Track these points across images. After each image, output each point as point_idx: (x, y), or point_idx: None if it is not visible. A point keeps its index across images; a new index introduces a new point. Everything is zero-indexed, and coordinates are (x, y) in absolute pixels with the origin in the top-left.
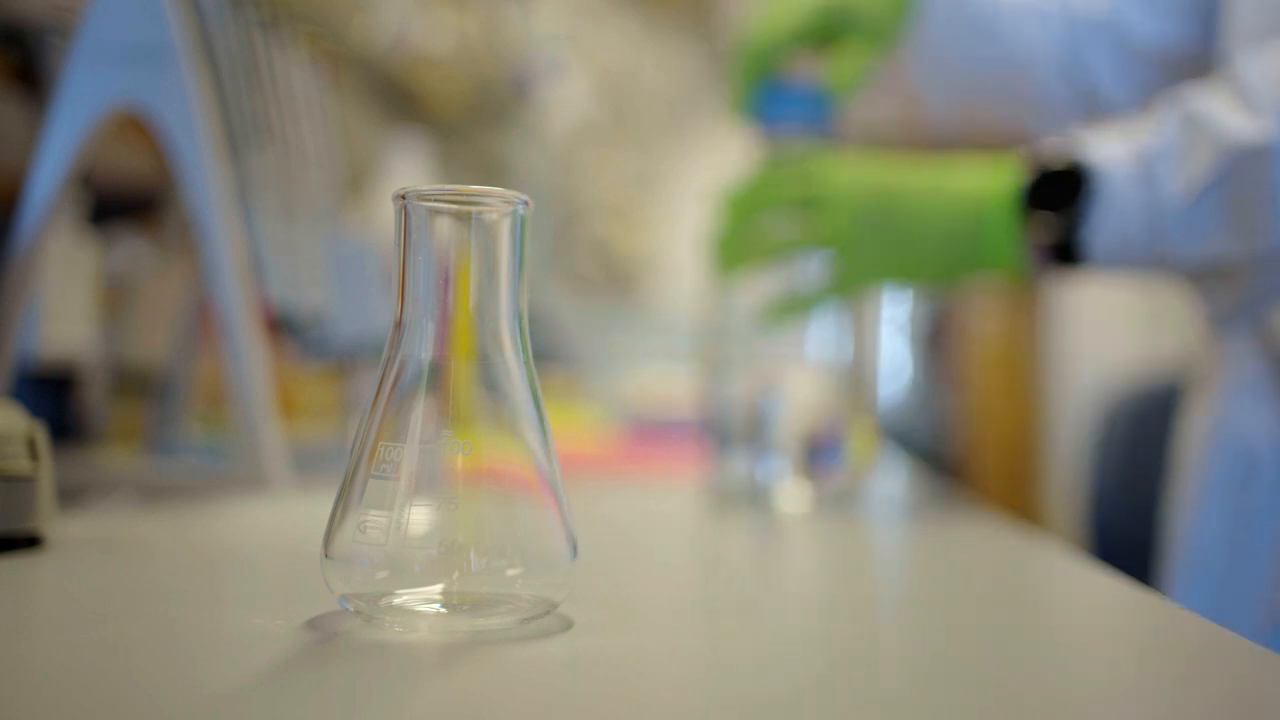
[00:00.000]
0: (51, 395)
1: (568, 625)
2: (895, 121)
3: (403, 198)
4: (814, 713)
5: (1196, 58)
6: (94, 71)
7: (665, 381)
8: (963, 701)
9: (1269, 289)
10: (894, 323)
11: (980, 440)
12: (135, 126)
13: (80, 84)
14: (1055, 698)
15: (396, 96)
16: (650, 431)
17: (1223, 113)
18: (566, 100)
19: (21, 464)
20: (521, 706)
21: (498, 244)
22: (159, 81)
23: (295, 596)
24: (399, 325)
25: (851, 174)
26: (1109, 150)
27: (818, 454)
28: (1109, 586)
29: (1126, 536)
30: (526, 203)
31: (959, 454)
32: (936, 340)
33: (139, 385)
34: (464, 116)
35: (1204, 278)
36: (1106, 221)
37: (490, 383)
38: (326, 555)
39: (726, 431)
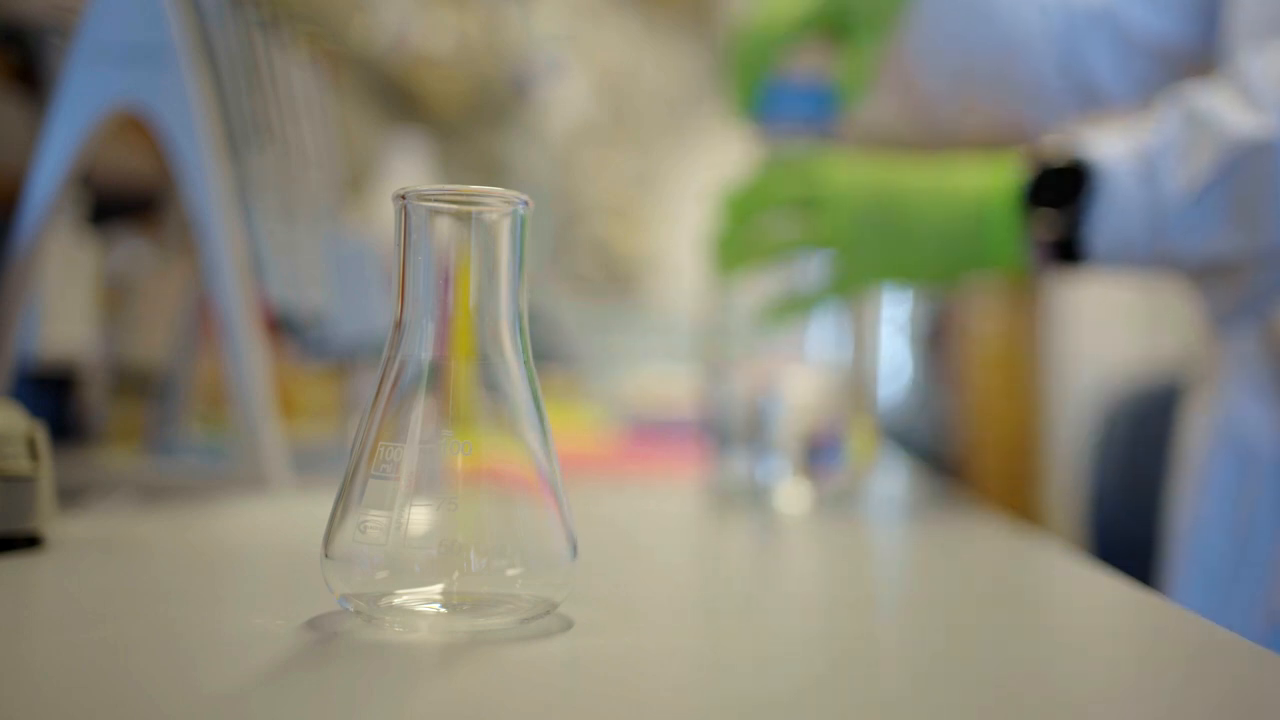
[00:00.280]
0: (51, 395)
1: (568, 625)
2: (895, 119)
3: (403, 198)
4: (814, 713)
5: (1196, 54)
6: (94, 71)
7: (665, 381)
8: (963, 701)
9: (1270, 286)
10: (894, 323)
11: (980, 440)
12: (135, 126)
13: (80, 84)
14: (1055, 698)
15: (396, 96)
16: (650, 431)
17: (1225, 110)
18: (566, 100)
19: (21, 464)
20: (521, 706)
21: (498, 244)
22: (159, 81)
23: (295, 596)
24: (399, 325)
25: (851, 174)
26: (1110, 147)
27: (818, 454)
28: (1109, 586)
29: (1126, 536)
30: (526, 203)
31: (959, 454)
32: (936, 340)
33: (139, 385)
34: (464, 116)
35: (1205, 275)
36: (1108, 219)
37: (490, 383)
38: (326, 555)
39: (726, 431)
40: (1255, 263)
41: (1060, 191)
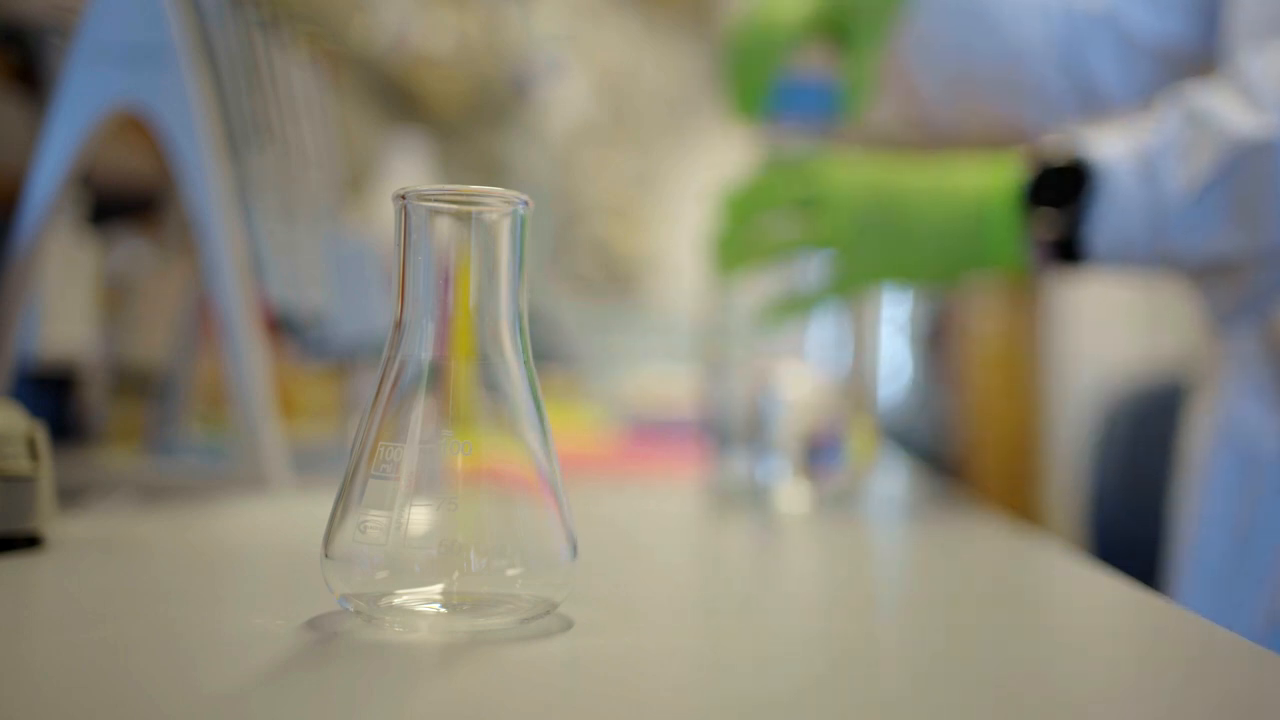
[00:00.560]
0: (51, 395)
1: (568, 625)
2: (894, 120)
3: (403, 198)
4: (814, 713)
5: (1197, 55)
6: (94, 71)
7: (665, 381)
8: (963, 701)
9: (1271, 286)
10: (894, 323)
11: (980, 440)
12: (135, 126)
13: (80, 84)
14: (1055, 698)
15: (396, 96)
16: (650, 431)
17: (1225, 109)
18: (566, 100)
19: (21, 464)
20: (521, 706)
21: (498, 244)
22: (159, 81)
23: (295, 596)
24: (399, 325)
25: (851, 174)
26: (1111, 147)
27: (818, 454)
28: (1109, 586)
29: (1126, 536)
30: (526, 203)
31: (959, 454)
32: (936, 340)
33: (139, 385)
34: (464, 116)
35: (1206, 275)
36: (1108, 218)
37: (490, 383)
38: (326, 555)
39: (726, 431)
40: (1256, 262)
41: (1060, 191)
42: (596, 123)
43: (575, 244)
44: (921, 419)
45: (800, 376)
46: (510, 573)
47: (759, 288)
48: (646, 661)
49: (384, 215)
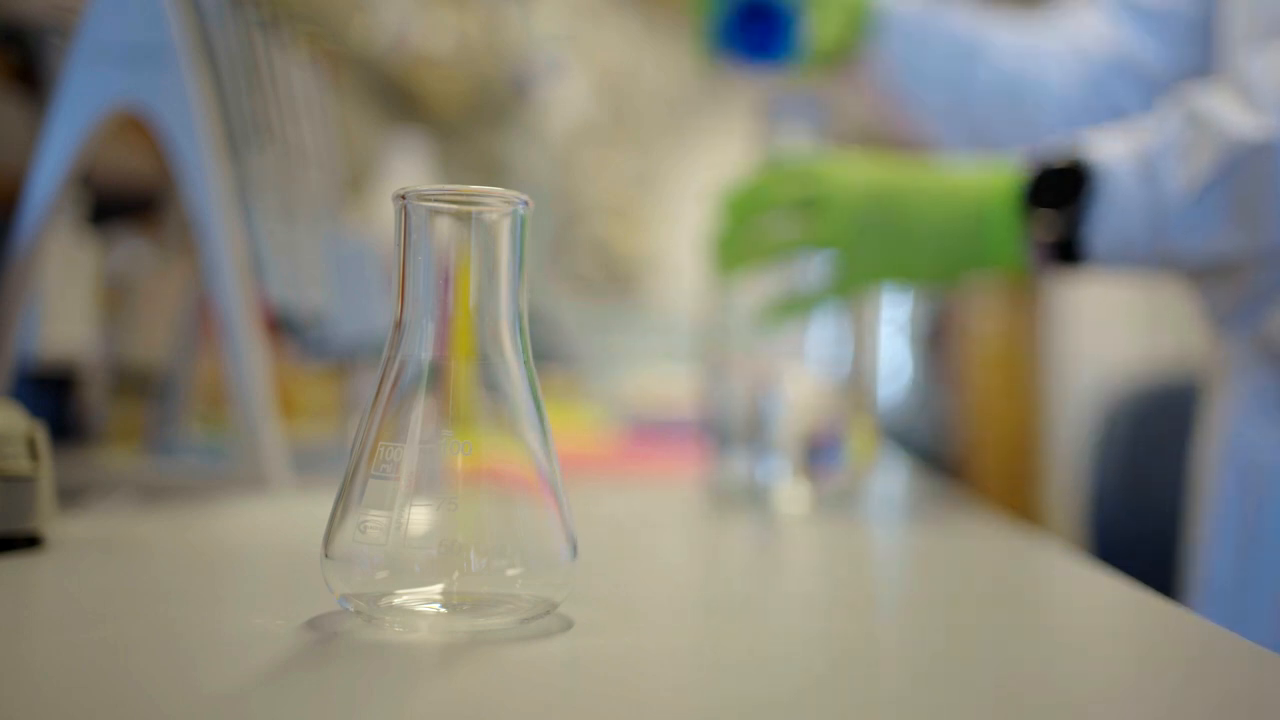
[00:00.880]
0: (51, 395)
1: (568, 625)
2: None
3: (403, 198)
4: (814, 713)
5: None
6: (94, 71)
7: (665, 381)
8: (963, 701)
9: (1271, 286)
10: (894, 323)
11: (980, 440)
12: (135, 126)
13: (80, 84)
14: (1055, 698)
15: (396, 96)
16: (650, 431)
17: (1225, 110)
18: (566, 100)
19: (21, 464)
20: (521, 706)
21: (498, 244)
22: (159, 81)
23: (295, 596)
24: (399, 325)
25: (851, 174)
26: (1111, 148)
27: (818, 454)
28: (1109, 586)
29: (1126, 536)
30: (526, 203)
31: (959, 454)
32: (936, 340)
33: (139, 385)
34: (464, 116)
35: (1206, 276)
36: (1108, 219)
37: (490, 383)
38: (326, 555)
39: (726, 431)
40: (1256, 263)
41: (1060, 192)
42: (596, 123)
43: (575, 244)
44: (921, 419)
45: (800, 376)
46: (510, 573)
47: (759, 288)
48: (646, 661)
49: (384, 215)
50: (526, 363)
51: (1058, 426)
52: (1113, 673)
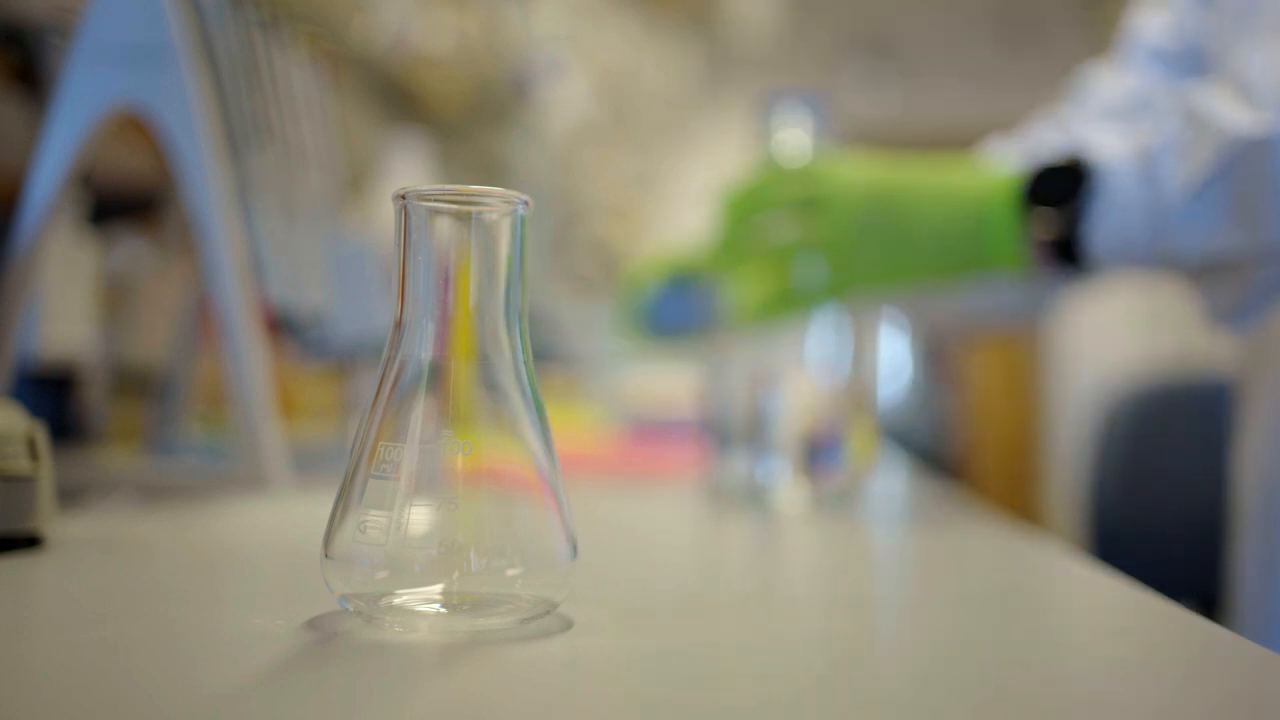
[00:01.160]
0: (51, 395)
1: (568, 625)
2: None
3: (403, 198)
4: (814, 713)
5: None
6: (94, 71)
7: (665, 381)
8: (962, 701)
9: (1272, 285)
10: (894, 322)
11: (980, 440)
12: (135, 126)
13: (80, 84)
14: (1056, 698)
15: (396, 96)
16: (650, 431)
17: (1224, 107)
18: (566, 100)
19: (21, 464)
20: (521, 706)
21: (498, 244)
22: (159, 81)
23: (295, 596)
24: (399, 325)
25: (851, 174)
26: (1110, 146)
27: (818, 454)
28: (1109, 586)
29: (1126, 536)
30: (526, 203)
31: (959, 454)
32: (936, 341)
33: (139, 385)
34: (464, 116)
35: (1206, 274)
36: (1108, 218)
37: (490, 383)
38: (326, 555)
39: (726, 431)
40: (1256, 260)
41: (1060, 190)
42: (596, 123)
43: (575, 244)
44: (921, 419)
45: (800, 376)
46: (510, 573)
47: (759, 288)
48: (646, 661)
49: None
50: (526, 363)
51: (1058, 426)
52: (1113, 673)
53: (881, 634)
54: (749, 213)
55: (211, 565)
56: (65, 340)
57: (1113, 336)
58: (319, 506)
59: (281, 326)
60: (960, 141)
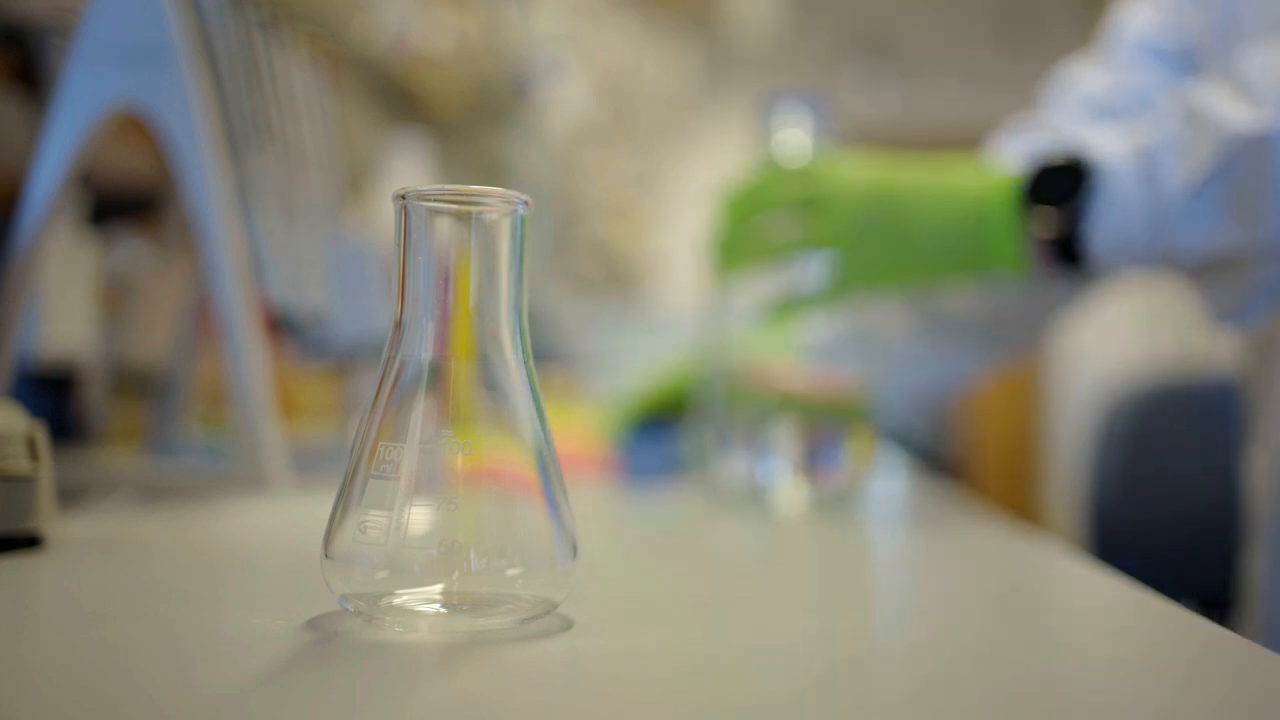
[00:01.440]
0: (51, 395)
1: (568, 625)
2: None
3: (403, 198)
4: (814, 713)
5: None
6: (94, 71)
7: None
8: (962, 702)
9: (1272, 283)
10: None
11: (980, 440)
12: (135, 126)
13: (80, 84)
14: (1055, 698)
15: (396, 96)
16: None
17: (1223, 105)
18: (566, 100)
19: (21, 464)
20: (521, 706)
21: (498, 244)
22: (159, 81)
23: (295, 596)
24: (399, 325)
25: (851, 174)
26: (1109, 145)
27: (817, 454)
28: (1109, 586)
29: (1126, 536)
30: (526, 203)
31: (959, 454)
32: None
33: (139, 385)
34: (464, 116)
35: (1206, 273)
36: (1108, 216)
37: (490, 383)
38: (326, 555)
39: (726, 431)
40: (1256, 258)
41: (1059, 189)
42: (596, 123)
43: (575, 244)
44: (921, 419)
45: (800, 376)
46: (510, 573)
47: (759, 288)
48: (646, 661)
49: (384, 215)
50: (526, 363)
51: (1058, 426)
52: (1113, 673)
53: (881, 634)
54: (749, 213)
55: (211, 565)
56: (65, 340)
57: (1113, 336)
58: (319, 506)
59: (281, 326)
60: (960, 141)
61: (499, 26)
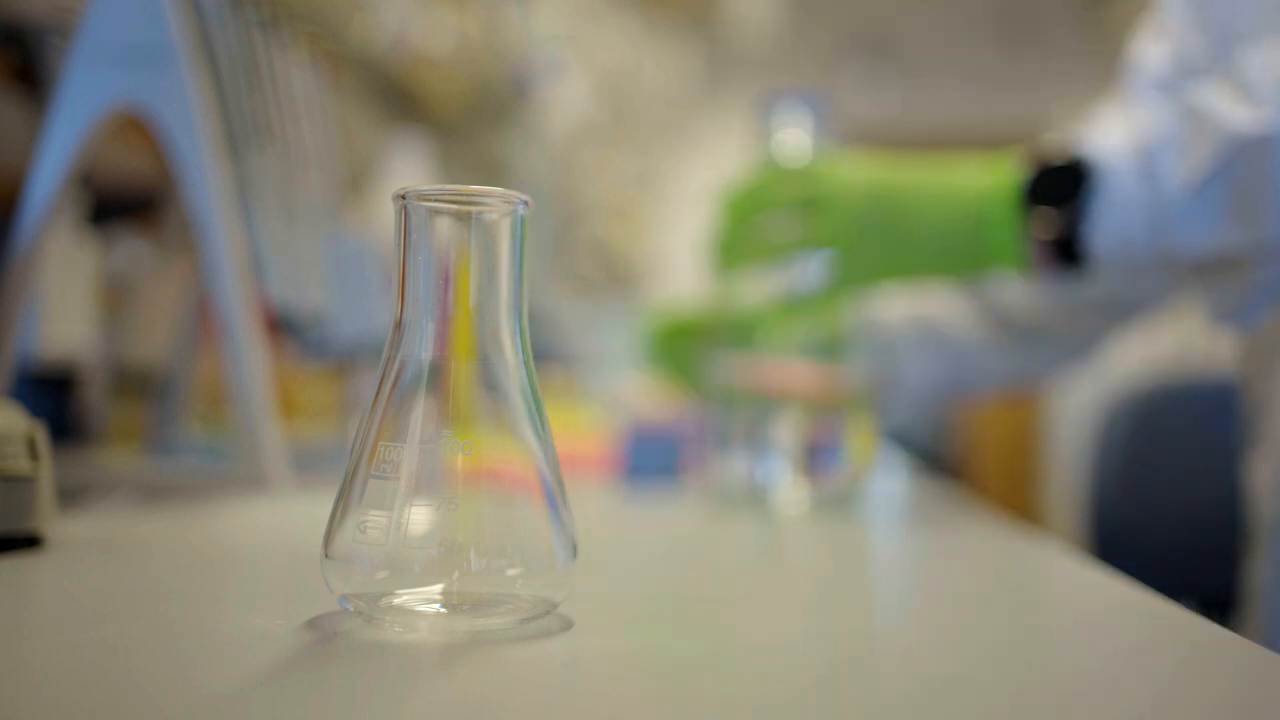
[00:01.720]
0: (51, 395)
1: (568, 625)
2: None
3: (403, 198)
4: (814, 713)
5: None
6: (94, 71)
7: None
8: (962, 702)
9: (1271, 284)
10: None
11: (980, 440)
12: (135, 126)
13: (80, 84)
14: (1056, 698)
15: (396, 96)
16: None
17: (1223, 105)
18: (566, 100)
19: (21, 464)
20: (521, 706)
21: (498, 244)
22: (159, 81)
23: (295, 596)
24: (399, 325)
25: (851, 174)
26: (1109, 145)
27: (818, 454)
28: (1109, 587)
29: (1126, 536)
30: (526, 203)
31: (959, 454)
32: None
33: (139, 385)
34: (464, 116)
35: (1206, 273)
36: (1108, 216)
37: (490, 383)
38: (326, 555)
39: (726, 431)
40: (1256, 258)
41: (1060, 189)
42: (596, 123)
43: (575, 244)
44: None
45: (800, 377)
46: (510, 573)
47: (759, 288)
48: (646, 661)
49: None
50: (526, 363)
51: (1058, 426)
52: (1113, 673)
53: (881, 634)
54: (749, 213)
55: (211, 565)
56: (65, 340)
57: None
58: (319, 506)
59: (281, 326)
60: (960, 141)
61: (499, 26)
